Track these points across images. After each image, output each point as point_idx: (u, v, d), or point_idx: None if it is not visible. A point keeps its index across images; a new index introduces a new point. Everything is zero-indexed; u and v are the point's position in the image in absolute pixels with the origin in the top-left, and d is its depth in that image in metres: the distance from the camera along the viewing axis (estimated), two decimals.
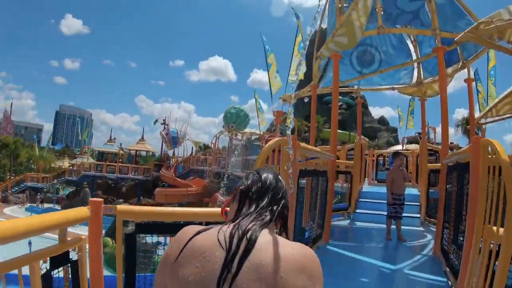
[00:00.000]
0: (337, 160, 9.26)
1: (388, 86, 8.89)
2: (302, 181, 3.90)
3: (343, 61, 7.30)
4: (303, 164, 3.95)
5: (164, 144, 33.33)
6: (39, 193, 29.44)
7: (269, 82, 12.46)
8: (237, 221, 0.89)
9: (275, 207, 0.95)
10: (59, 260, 1.83)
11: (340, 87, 9.44)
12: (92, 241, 2.03)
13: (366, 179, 10.51)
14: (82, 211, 2.07)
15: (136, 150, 36.14)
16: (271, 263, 0.76)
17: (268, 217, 0.91)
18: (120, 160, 34.88)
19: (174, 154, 34.36)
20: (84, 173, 30.21)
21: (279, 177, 1.06)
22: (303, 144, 3.41)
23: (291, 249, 0.82)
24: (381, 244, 5.30)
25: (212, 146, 29.58)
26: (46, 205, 26.19)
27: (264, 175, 1.03)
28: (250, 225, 0.85)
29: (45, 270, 1.78)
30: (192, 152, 33.92)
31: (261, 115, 19.79)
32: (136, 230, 2.43)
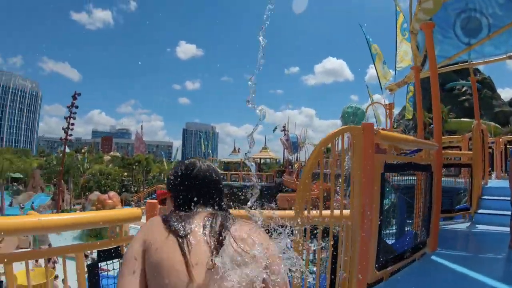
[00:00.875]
0: (454, 151, 7.83)
1: (504, 56, 7.15)
2: (394, 177, 3.30)
3: (447, 35, 6.27)
4: (389, 156, 3.34)
5: (285, 150, 34.29)
6: None
7: (377, 74, 11.54)
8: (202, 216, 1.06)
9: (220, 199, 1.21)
10: (107, 253, 1.92)
11: (450, 64, 8.01)
12: None
13: (494, 172, 8.62)
14: (135, 211, 2.16)
15: (260, 158, 37.95)
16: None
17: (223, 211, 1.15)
18: (246, 169, 37.29)
19: (297, 159, 35.02)
20: None
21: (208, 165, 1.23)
22: (383, 132, 2.87)
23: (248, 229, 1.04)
24: (502, 255, 4.09)
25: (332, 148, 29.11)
26: None
27: (202, 167, 1.20)
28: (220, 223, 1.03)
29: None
30: None
31: (378, 111, 18.48)
32: None
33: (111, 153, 69.68)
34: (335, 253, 2.55)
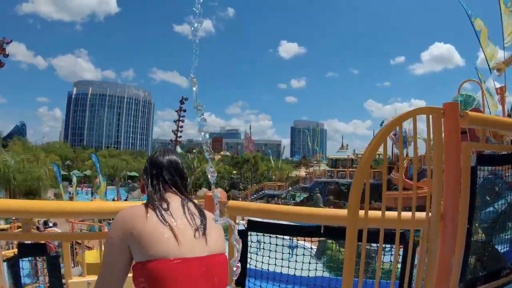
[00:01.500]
0: None
1: None
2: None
3: None
4: (484, 145, 2.52)
5: (393, 145, 31.94)
6: (275, 198, 34.52)
7: (484, 55, 9.51)
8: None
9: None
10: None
11: None
12: None
13: None
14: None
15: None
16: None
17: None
18: (355, 166, 36.08)
19: (407, 154, 32.19)
20: (315, 180, 33.17)
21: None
22: (472, 113, 2.18)
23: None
24: None
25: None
26: None
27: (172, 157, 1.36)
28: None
29: None
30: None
31: (491, 98, 15.73)
32: (248, 227, 2.40)
33: (221, 152, 74.28)
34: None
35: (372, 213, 2.08)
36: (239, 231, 2.31)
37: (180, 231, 1.09)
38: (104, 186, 24.31)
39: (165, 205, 1.16)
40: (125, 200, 33.75)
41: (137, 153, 74.56)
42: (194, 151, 56.11)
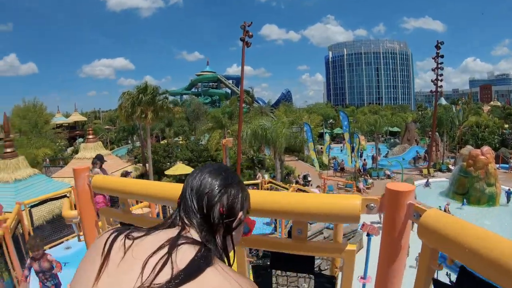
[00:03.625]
0: None
1: None
2: None
3: None
4: None
5: None
6: None
7: None
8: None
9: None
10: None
11: None
12: None
13: None
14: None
15: None
16: None
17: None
18: None
19: None
20: None
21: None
22: None
23: None
24: None
25: None
26: None
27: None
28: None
29: None
30: None
31: None
32: (272, 262, 1.59)
33: (491, 102, 62.02)
34: None
35: None
36: (255, 267, 1.63)
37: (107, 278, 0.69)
38: (358, 143, 26.03)
39: (136, 234, 0.76)
40: (385, 156, 35.03)
41: (399, 107, 73.58)
42: (460, 102, 49.26)
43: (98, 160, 6.98)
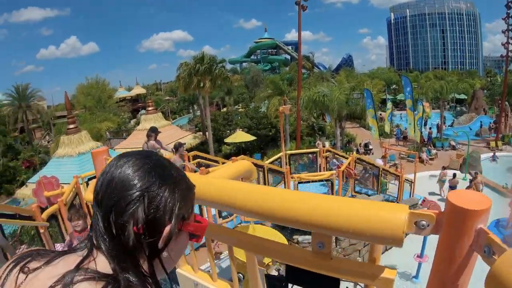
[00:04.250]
0: None
1: None
2: None
3: None
4: None
5: None
6: None
7: None
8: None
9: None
10: None
11: None
12: None
13: None
14: None
15: None
16: None
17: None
18: None
19: None
20: None
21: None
22: None
23: None
24: None
25: None
26: None
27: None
28: None
29: None
30: None
31: None
32: (288, 275, 1.65)
33: None
34: None
35: None
36: (270, 277, 1.45)
37: None
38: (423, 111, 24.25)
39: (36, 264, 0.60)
40: (450, 125, 32.60)
41: (466, 73, 66.94)
42: None
43: (153, 132, 7.12)
